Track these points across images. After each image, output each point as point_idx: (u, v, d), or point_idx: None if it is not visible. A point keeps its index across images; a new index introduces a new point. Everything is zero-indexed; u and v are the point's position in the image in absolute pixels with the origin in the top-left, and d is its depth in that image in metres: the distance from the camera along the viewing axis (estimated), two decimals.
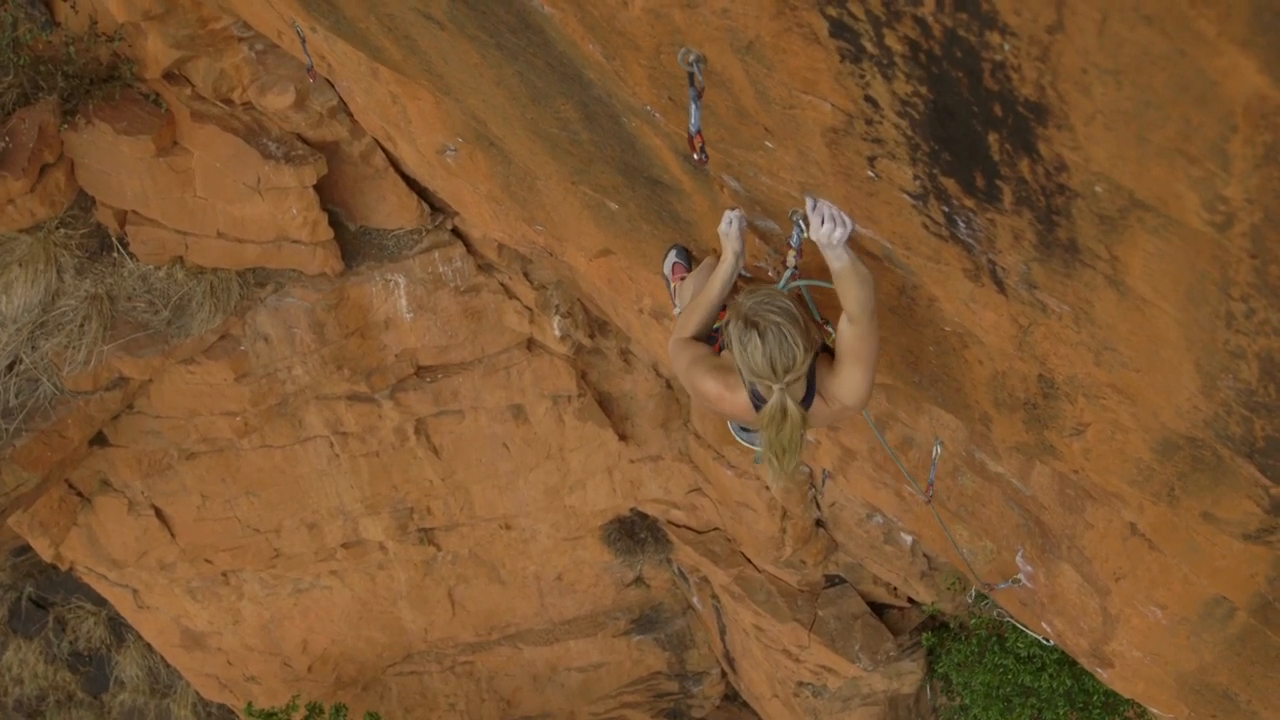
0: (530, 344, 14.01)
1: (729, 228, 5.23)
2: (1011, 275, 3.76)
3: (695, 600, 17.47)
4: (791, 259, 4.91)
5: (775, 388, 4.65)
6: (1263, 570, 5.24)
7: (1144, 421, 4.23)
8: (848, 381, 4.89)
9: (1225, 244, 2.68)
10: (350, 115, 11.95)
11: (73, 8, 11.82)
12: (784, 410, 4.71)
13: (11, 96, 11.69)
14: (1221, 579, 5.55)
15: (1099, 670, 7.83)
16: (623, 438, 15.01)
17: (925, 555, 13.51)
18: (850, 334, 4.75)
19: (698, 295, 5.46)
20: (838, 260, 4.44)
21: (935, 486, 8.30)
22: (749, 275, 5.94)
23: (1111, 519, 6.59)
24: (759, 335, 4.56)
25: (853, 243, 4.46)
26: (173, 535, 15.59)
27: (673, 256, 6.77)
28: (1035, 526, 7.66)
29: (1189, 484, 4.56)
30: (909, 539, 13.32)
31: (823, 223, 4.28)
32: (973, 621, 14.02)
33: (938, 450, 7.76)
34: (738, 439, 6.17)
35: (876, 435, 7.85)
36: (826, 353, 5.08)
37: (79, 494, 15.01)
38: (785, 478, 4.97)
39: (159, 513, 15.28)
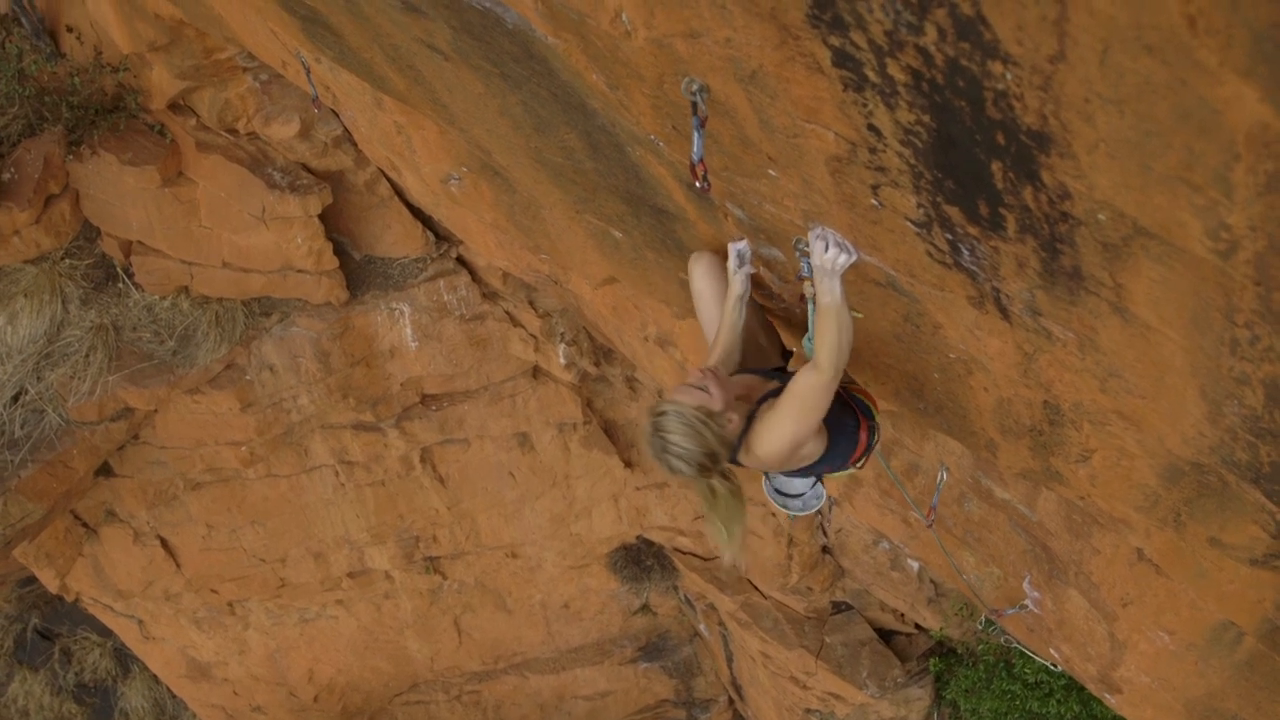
0: (535, 372, 14.02)
1: (735, 270, 5.29)
2: (1016, 302, 3.76)
3: (702, 627, 17.44)
4: (809, 290, 4.90)
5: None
6: (1270, 595, 5.22)
7: (1150, 448, 4.22)
8: (772, 431, 4.86)
9: (1229, 271, 2.68)
10: (355, 145, 11.98)
11: (78, 39, 11.87)
12: (712, 490, 4.75)
13: (17, 128, 11.74)
14: (1229, 604, 5.54)
15: (1107, 696, 7.80)
16: (628, 465, 15.00)
17: (932, 581, 13.49)
18: (805, 382, 4.72)
19: (716, 335, 5.51)
20: (828, 295, 4.43)
21: (940, 513, 8.28)
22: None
23: (1118, 545, 6.58)
24: (659, 462, 4.71)
25: (857, 270, 4.46)
26: (178, 565, 15.58)
27: None
28: (1042, 552, 7.64)
29: (1195, 510, 4.55)
30: (916, 565, 13.30)
31: (827, 248, 4.28)
32: (980, 648, 13.98)
33: (943, 476, 7.75)
34: (774, 503, 6.17)
35: (881, 461, 7.84)
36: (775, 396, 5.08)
37: (84, 525, 15.01)
38: (737, 547, 4.95)
39: (164, 543, 15.28)
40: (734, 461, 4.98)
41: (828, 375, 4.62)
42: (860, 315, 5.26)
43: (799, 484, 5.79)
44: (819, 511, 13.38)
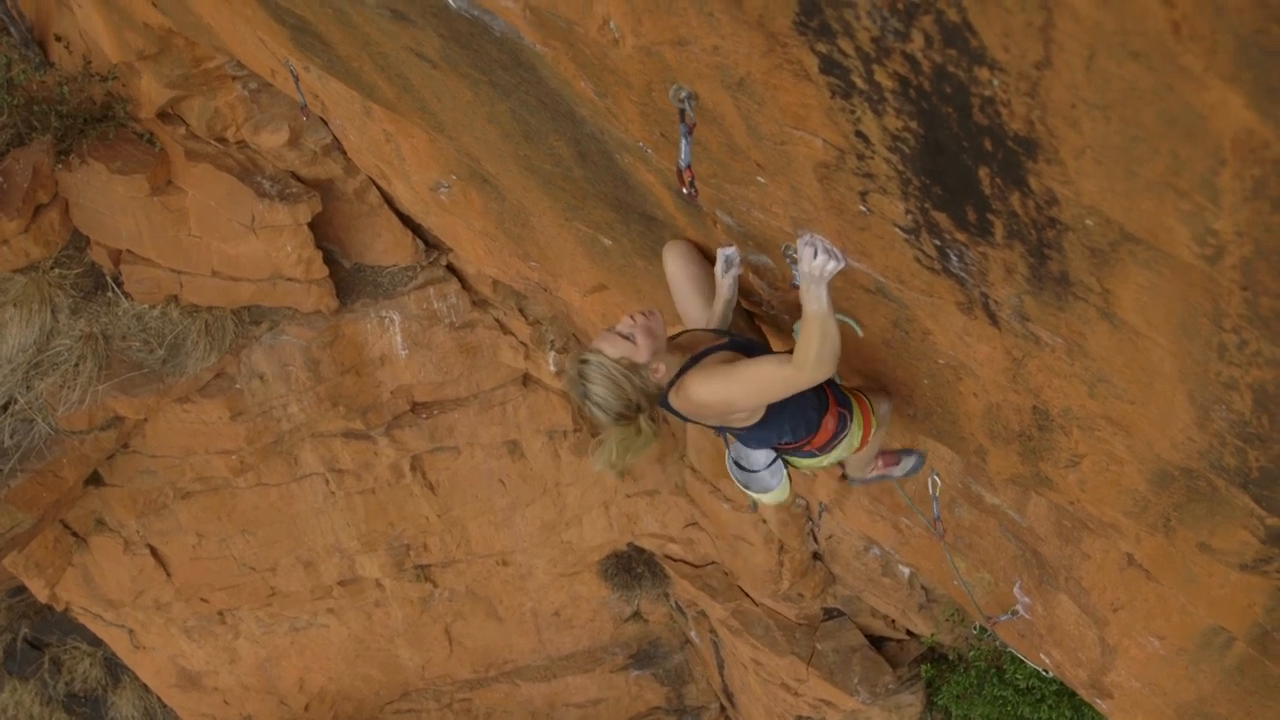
0: (526, 379, 14.01)
1: (721, 275, 5.32)
2: (1004, 308, 3.77)
3: (693, 635, 17.43)
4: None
5: None
6: (1260, 600, 5.23)
7: (1139, 453, 4.23)
8: (713, 381, 4.85)
9: (1216, 276, 2.69)
10: (344, 153, 11.97)
11: (66, 48, 11.86)
12: (637, 430, 4.82)
13: (5, 137, 11.72)
14: (1219, 609, 5.55)
15: (1098, 701, 7.81)
16: (619, 472, 14.94)
17: (923, 587, 13.49)
18: (773, 367, 4.74)
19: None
20: (815, 302, 4.40)
21: (943, 520, 8.28)
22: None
23: (1108, 550, 6.59)
24: (582, 408, 4.86)
25: (847, 277, 4.46)
26: (168, 575, 15.55)
27: None
28: (1032, 558, 7.65)
29: (1185, 515, 4.56)
30: (907, 571, 13.30)
31: (815, 255, 4.27)
32: (971, 653, 13.98)
33: (935, 483, 7.74)
34: (734, 480, 6.15)
35: (891, 482, 7.84)
36: (730, 350, 5.09)
37: (74, 534, 14.97)
38: (615, 465, 4.97)
39: (155, 552, 15.24)
40: (664, 405, 5.01)
41: (800, 376, 4.62)
42: (862, 332, 5.26)
43: (758, 458, 5.75)
44: (809, 519, 13.39)
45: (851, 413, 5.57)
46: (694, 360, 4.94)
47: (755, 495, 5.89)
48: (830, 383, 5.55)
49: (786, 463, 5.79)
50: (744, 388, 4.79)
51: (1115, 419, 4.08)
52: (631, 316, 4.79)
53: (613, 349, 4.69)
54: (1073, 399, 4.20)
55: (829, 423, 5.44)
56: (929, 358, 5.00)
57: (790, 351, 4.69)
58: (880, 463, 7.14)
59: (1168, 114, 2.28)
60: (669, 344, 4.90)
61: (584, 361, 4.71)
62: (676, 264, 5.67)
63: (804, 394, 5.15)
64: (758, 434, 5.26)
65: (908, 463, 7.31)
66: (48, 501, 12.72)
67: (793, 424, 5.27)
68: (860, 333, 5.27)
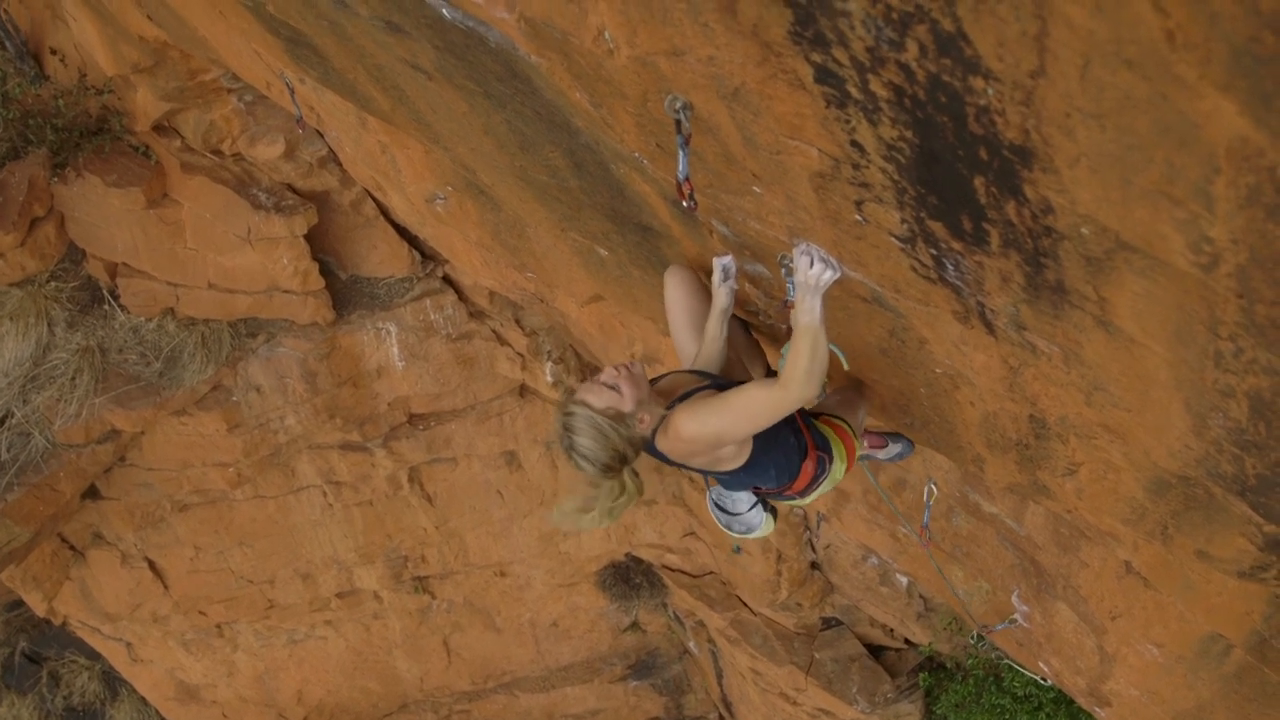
0: (523, 390, 14.02)
1: (718, 284, 5.28)
2: (1000, 317, 3.76)
3: (692, 645, 17.42)
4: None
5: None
6: (1258, 607, 5.23)
7: (1136, 461, 4.23)
8: (698, 416, 4.78)
9: (1211, 284, 2.69)
10: (340, 165, 11.99)
11: (62, 61, 11.87)
12: (622, 488, 4.82)
13: (1, 151, 11.72)
14: (1217, 616, 5.55)
15: (1097, 709, 7.80)
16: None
17: (921, 596, 13.49)
18: (759, 391, 4.69)
19: (695, 348, 5.52)
20: (808, 314, 4.37)
21: (930, 529, 8.29)
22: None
23: (1106, 558, 6.59)
24: (569, 458, 4.75)
25: (843, 286, 4.46)
26: (166, 588, 15.55)
27: None
28: (1030, 566, 7.65)
29: (1182, 522, 4.56)
30: (905, 580, 13.30)
31: (812, 264, 4.27)
32: (970, 662, 13.98)
33: (932, 491, 7.75)
34: (717, 522, 6.11)
35: (870, 480, 7.85)
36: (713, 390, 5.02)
37: (72, 548, 14.97)
38: (598, 525, 4.97)
39: (152, 565, 15.25)
40: (651, 450, 4.96)
41: (788, 395, 4.56)
42: (848, 364, 5.27)
43: (741, 500, 5.71)
44: (807, 528, 13.39)
45: (831, 454, 5.55)
46: (677, 402, 4.92)
47: (738, 536, 5.86)
48: (806, 422, 5.54)
49: (762, 502, 5.75)
50: (733, 416, 4.73)
51: (1112, 427, 4.08)
52: (615, 367, 4.75)
53: (598, 399, 4.65)
54: (1069, 407, 4.20)
55: (808, 467, 5.42)
56: (926, 367, 5.00)
57: (774, 374, 4.70)
58: (865, 443, 7.06)
59: (1162, 122, 2.28)
60: (650, 391, 4.85)
61: (569, 414, 4.67)
62: (675, 293, 5.65)
63: (785, 437, 5.17)
64: (741, 478, 5.23)
65: (894, 447, 7.19)
66: (45, 515, 12.72)
67: (776, 469, 5.26)
68: (846, 365, 5.29)
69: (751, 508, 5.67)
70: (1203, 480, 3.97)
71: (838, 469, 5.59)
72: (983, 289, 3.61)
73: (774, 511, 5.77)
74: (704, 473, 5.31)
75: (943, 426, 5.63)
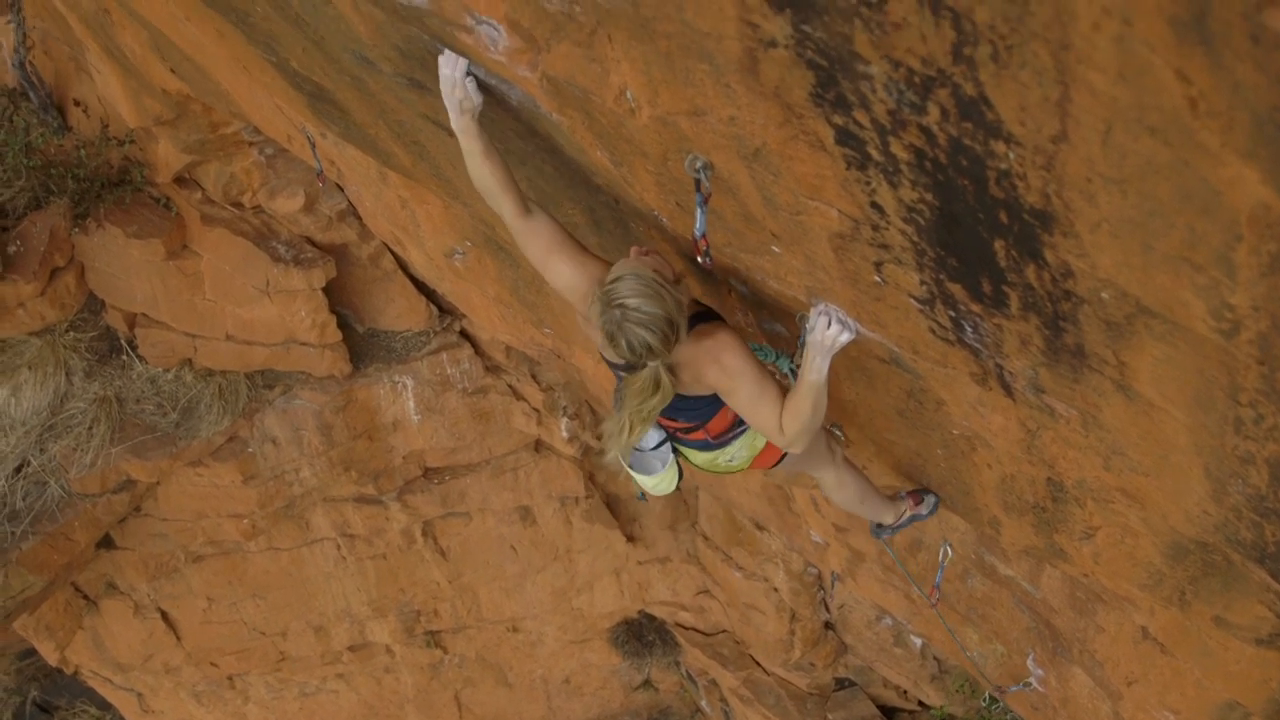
0: (538, 445, 14.01)
1: (454, 85, 4.38)
2: (1019, 380, 3.76)
3: (704, 703, 17.32)
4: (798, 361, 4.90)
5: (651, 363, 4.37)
6: (1276, 675, 5.19)
7: (1154, 526, 4.21)
8: (744, 365, 4.53)
9: (1232, 351, 2.69)
10: (359, 218, 12.03)
11: (85, 113, 11.95)
12: (656, 383, 4.44)
13: (23, 200, 11.80)
14: (1235, 684, 5.51)
15: None
16: (630, 539, 14.96)
17: (935, 658, 13.41)
18: (766, 412, 4.56)
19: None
20: (816, 373, 4.34)
21: (943, 589, 8.25)
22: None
23: (1123, 623, 6.54)
24: (616, 335, 4.27)
25: (861, 347, 4.46)
26: (178, 638, 15.51)
27: None
28: (1046, 629, 7.61)
29: (1200, 588, 4.54)
30: (919, 641, 13.23)
31: (830, 325, 4.26)
32: None
33: (947, 553, 7.72)
34: (629, 472, 5.78)
35: (883, 546, 7.82)
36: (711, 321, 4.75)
37: (85, 597, 14.96)
38: (623, 452, 4.72)
39: (165, 616, 15.22)
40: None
41: (779, 437, 4.58)
42: (844, 440, 5.25)
43: (651, 435, 5.36)
44: (821, 588, 13.34)
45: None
46: (703, 315, 4.77)
47: (639, 477, 5.56)
48: None
49: (677, 451, 5.50)
50: (750, 398, 4.60)
51: (1130, 491, 4.07)
52: (642, 249, 4.48)
53: (642, 265, 4.28)
54: (1087, 471, 4.19)
55: (729, 410, 5.07)
56: (943, 428, 4.99)
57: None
58: (910, 502, 6.85)
59: (1184, 189, 2.28)
60: None
61: (616, 279, 4.23)
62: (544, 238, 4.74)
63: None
64: (691, 401, 4.97)
65: (930, 499, 6.94)
66: (59, 564, 12.71)
67: (711, 403, 5.02)
68: (843, 440, 5.26)
69: (657, 446, 5.41)
70: (1221, 546, 3.95)
71: (751, 434, 5.32)
72: (1001, 351, 3.61)
73: (680, 470, 5.54)
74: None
75: (959, 488, 5.62)
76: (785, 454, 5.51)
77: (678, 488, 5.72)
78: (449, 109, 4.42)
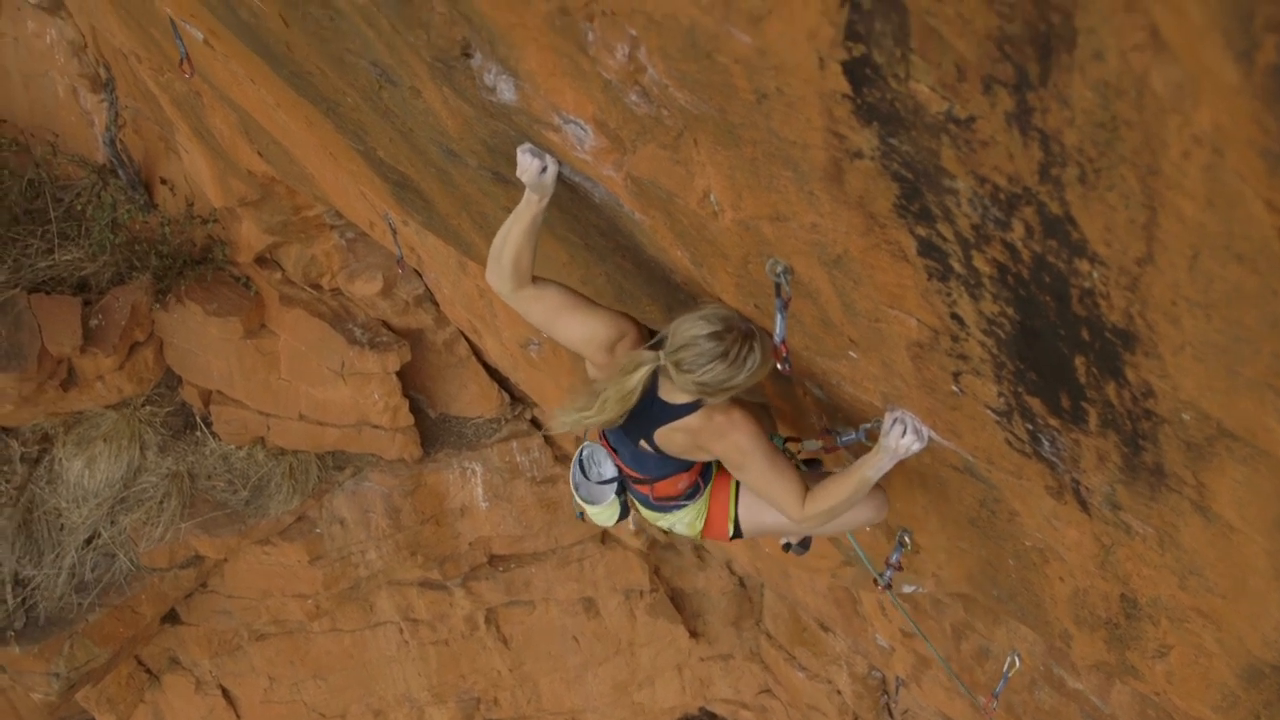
0: (604, 537, 14.00)
1: (537, 176, 4.32)
2: (1095, 495, 3.73)
3: None
4: (836, 443, 4.89)
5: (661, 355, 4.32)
6: None
7: (1229, 648, 4.15)
8: (754, 443, 4.49)
9: None
10: (436, 304, 12.13)
11: (171, 191, 12.15)
12: (637, 365, 4.38)
13: (107, 275, 11.98)
14: None
15: None
16: (694, 635, 14.88)
17: None
18: (785, 489, 4.52)
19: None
20: (874, 471, 4.34)
21: (1010, 699, 8.14)
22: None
23: None
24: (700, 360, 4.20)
25: (935, 455, 4.44)
26: (238, 716, 15.53)
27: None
28: None
29: (1275, 713, 4.46)
30: None
31: (905, 433, 4.25)
32: None
33: (1014, 663, 7.62)
34: (574, 492, 5.68)
35: (923, 639, 7.73)
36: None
37: (148, 670, 15.01)
38: (586, 426, 4.64)
39: (226, 693, 15.25)
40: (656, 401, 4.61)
41: (797, 513, 4.53)
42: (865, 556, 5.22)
43: (606, 469, 5.29)
44: (885, 692, 13.20)
45: (702, 490, 5.29)
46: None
47: (582, 501, 5.46)
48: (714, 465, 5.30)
49: (625, 490, 5.42)
50: (762, 474, 4.56)
51: (1206, 612, 4.02)
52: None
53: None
54: (1162, 589, 4.14)
55: (681, 481, 5.11)
56: (1015, 539, 4.95)
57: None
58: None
59: (1271, 316, 2.27)
60: None
61: (750, 328, 4.23)
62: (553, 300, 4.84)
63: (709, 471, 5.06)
64: (659, 458, 4.92)
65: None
66: (124, 637, 12.79)
67: (675, 465, 5.00)
68: (909, 547, 5.24)
69: (607, 481, 5.34)
70: None
71: (698, 514, 5.30)
72: (1079, 467, 3.59)
73: (625, 509, 5.46)
74: (627, 437, 4.90)
75: (1030, 599, 5.56)
76: (738, 532, 5.43)
77: (617, 524, 5.65)
78: (529, 184, 4.33)
